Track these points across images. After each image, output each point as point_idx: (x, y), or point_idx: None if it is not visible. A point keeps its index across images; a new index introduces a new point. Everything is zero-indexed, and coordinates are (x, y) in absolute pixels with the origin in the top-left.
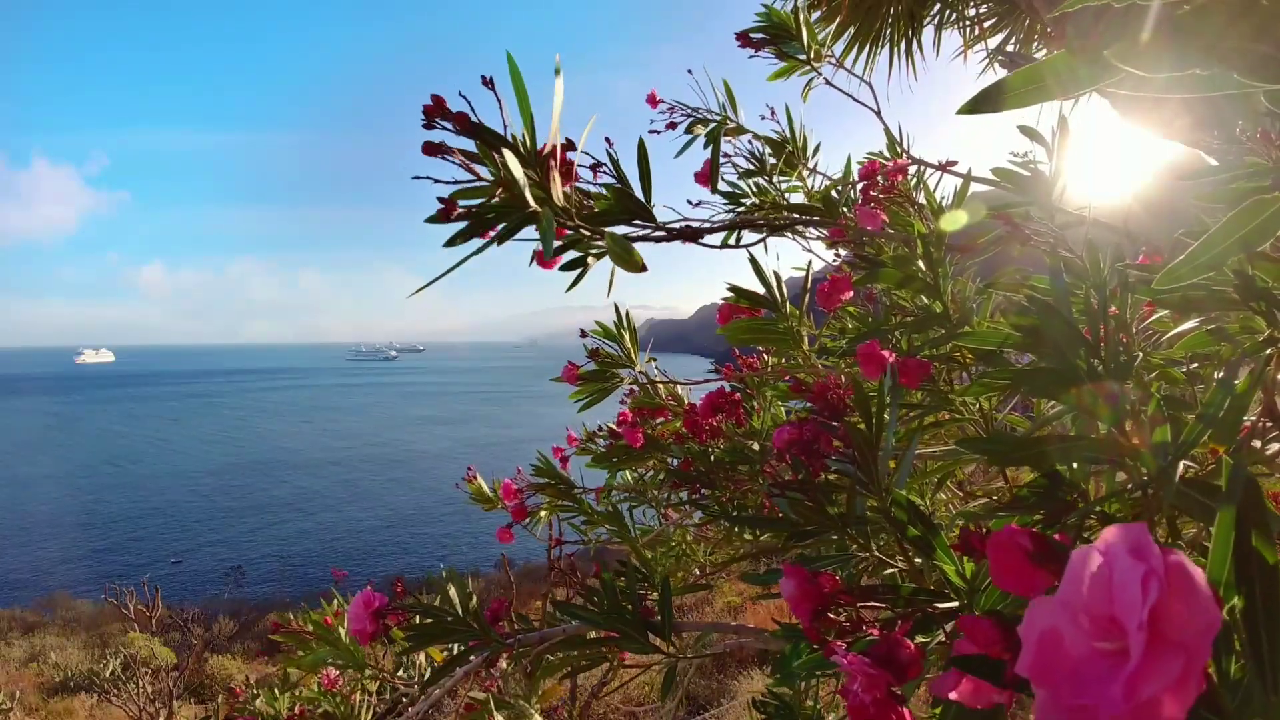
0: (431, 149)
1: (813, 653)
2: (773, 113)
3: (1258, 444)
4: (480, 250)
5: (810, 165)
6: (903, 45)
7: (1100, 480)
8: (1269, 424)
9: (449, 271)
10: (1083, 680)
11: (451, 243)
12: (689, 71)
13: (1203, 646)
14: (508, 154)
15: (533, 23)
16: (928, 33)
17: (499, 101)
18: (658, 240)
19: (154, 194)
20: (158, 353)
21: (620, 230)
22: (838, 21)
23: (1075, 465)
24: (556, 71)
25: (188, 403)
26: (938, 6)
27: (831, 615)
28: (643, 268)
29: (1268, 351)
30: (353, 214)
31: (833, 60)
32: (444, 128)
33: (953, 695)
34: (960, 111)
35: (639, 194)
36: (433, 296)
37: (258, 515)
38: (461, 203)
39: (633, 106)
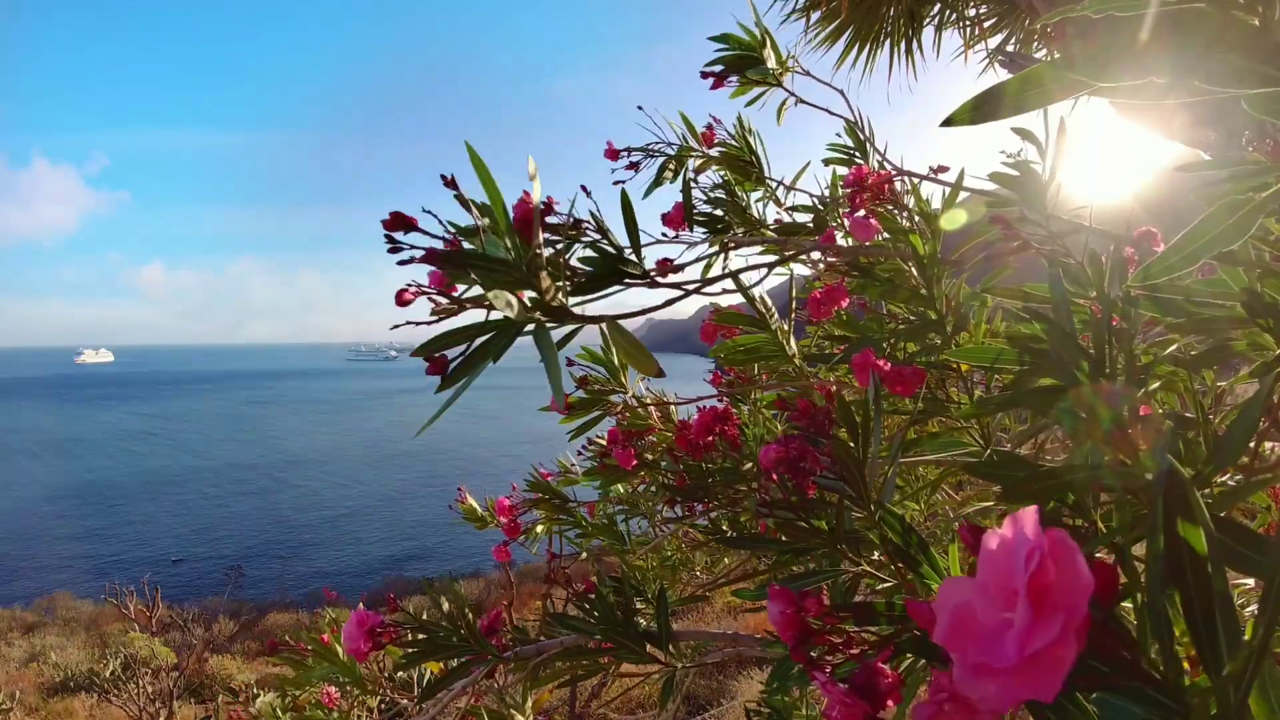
0: (405, 299)
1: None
2: (717, 121)
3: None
4: (475, 375)
5: (779, 181)
6: (903, 45)
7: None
8: (1270, 425)
9: (445, 407)
10: (987, 643)
11: (444, 387)
12: (640, 108)
13: (1078, 606)
14: (502, 296)
15: (533, 22)
16: (928, 33)
17: (465, 206)
18: (654, 310)
19: (154, 194)
20: (158, 353)
21: (620, 311)
22: (838, 22)
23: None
24: (532, 177)
25: (190, 402)
26: (938, 6)
27: (821, 635)
28: (660, 373)
29: (1277, 370)
30: (353, 214)
31: (800, 70)
32: (410, 246)
33: None
34: (954, 123)
35: (626, 248)
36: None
37: (266, 515)
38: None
39: (631, 106)
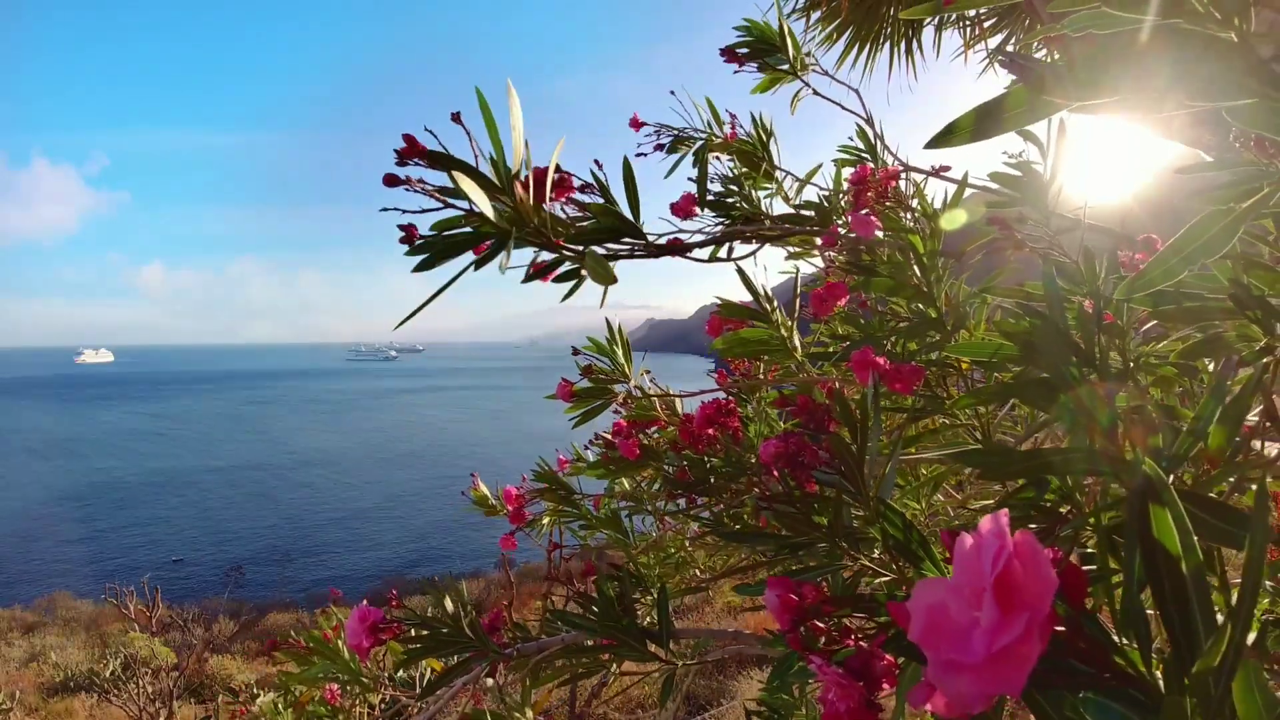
0: (392, 181)
1: (804, 660)
2: (734, 117)
3: (1257, 445)
4: (460, 275)
5: (785, 176)
6: (903, 45)
7: (1094, 491)
8: (1269, 425)
9: (431, 300)
10: (958, 640)
11: (419, 268)
12: (672, 92)
13: (1044, 605)
14: (460, 176)
15: (532, 23)
16: (928, 33)
17: (468, 134)
18: (645, 257)
19: (154, 194)
20: (158, 353)
21: (611, 247)
22: (838, 22)
23: (1069, 478)
24: (509, 86)
25: (192, 402)
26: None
27: (819, 625)
28: (613, 280)
29: (1265, 360)
30: (352, 214)
31: (818, 69)
32: (418, 164)
33: (928, 708)
34: (956, 136)
35: (626, 212)
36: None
37: (274, 515)
38: (428, 233)
39: (629, 106)
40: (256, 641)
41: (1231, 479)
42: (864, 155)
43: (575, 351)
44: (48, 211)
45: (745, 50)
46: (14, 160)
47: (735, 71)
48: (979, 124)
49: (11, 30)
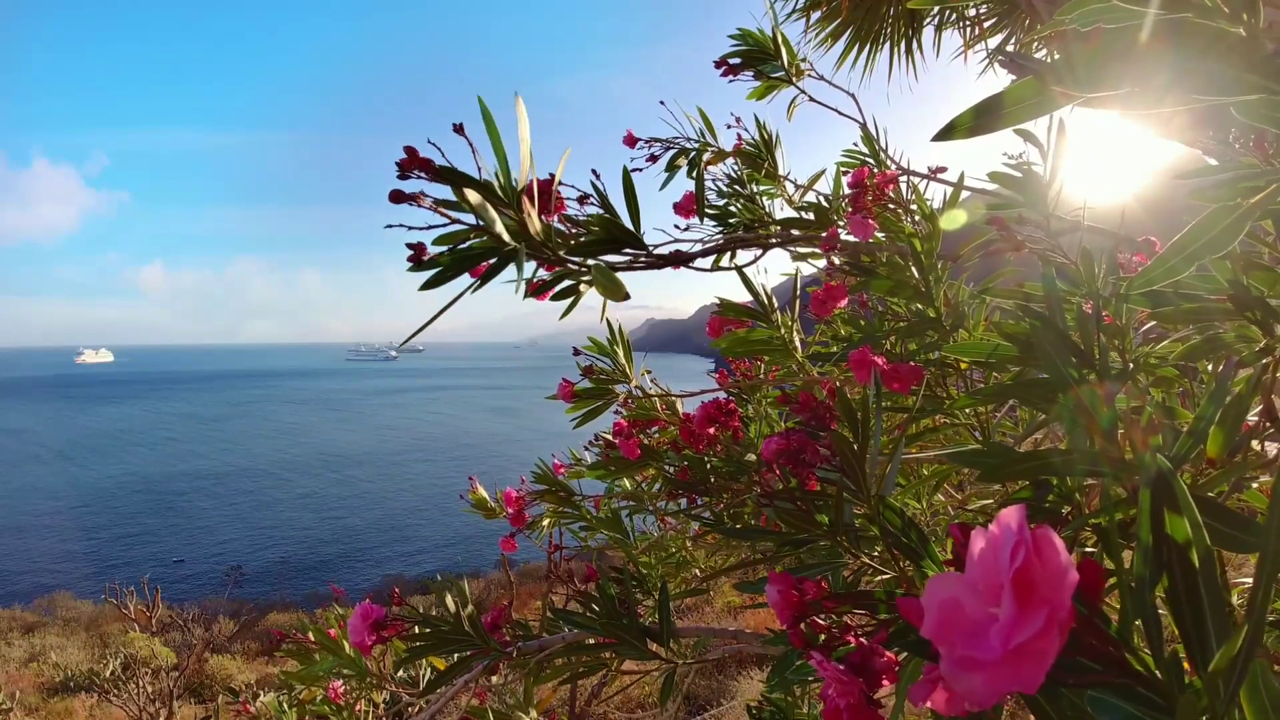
0: (399, 197)
1: (803, 658)
2: (738, 120)
3: (1256, 445)
4: (466, 291)
5: (787, 174)
6: (903, 45)
7: (1093, 491)
8: (1268, 425)
9: (436, 316)
10: (974, 636)
11: (428, 286)
12: (662, 103)
13: (1062, 600)
14: (470, 191)
15: (531, 22)
16: (928, 33)
17: (472, 147)
18: (648, 268)
19: (154, 194)
20: (158, 353)
21: (610, 259)
22: (838, 22)
23: (1068, 478)
24: (518, 99)
25: (197, 401)
26: (938, 6)
27: (819, 621)
28: (626, 296)
29: (1264, 361)
30: (353, 214)
31: (814, 74)
32: (420, 177)
33: (928, 705)
34: (955, 132)
35: (627, 222)
36: (432, 298)
37: (307, 515)
38: (436, 248)
39: (631, 105)
40: (256, 641)
41: (1231, 479)
42: (867, 160)
43: (576, 352)
44: (48, 211)
45: (739, 60)
46: (14, 160)
47: (730, 81)
48: (979, 119)
49: (12, 30)
